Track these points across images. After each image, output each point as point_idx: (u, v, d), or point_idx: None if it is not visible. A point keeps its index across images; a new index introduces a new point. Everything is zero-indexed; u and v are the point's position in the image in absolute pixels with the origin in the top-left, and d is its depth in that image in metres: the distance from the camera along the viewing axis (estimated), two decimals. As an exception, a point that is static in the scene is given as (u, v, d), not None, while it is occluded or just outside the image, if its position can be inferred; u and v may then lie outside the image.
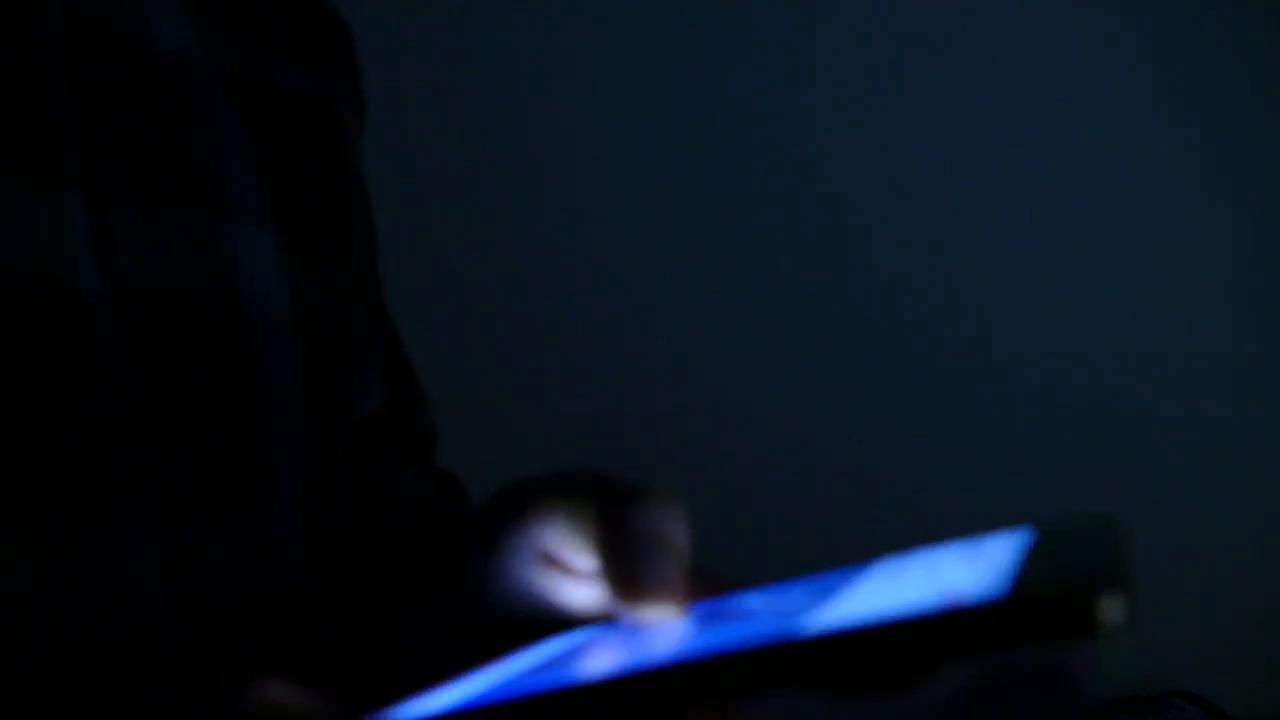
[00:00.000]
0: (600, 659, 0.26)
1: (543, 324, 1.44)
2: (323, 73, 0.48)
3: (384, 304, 0.55)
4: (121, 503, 0.35)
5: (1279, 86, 1.47)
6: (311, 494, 0.43)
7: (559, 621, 0.35)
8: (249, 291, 0.41)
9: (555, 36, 1.45)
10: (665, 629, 0.30)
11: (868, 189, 1.47)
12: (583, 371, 1.43)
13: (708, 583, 0.34)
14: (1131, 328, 1.47)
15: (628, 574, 0.32)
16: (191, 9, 0.42)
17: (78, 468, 0.34)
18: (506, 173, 1.44)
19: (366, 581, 0.43)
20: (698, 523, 0.33)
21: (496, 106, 1.43)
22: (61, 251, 0.35)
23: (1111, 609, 0.19)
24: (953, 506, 1.43)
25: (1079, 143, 1.48)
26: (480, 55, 1.43)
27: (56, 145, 0.35)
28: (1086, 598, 0.19)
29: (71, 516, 0.34)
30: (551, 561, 0.35)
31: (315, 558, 0.42)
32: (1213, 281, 1.48)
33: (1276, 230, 1.48)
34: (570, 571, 0.35)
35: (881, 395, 1.47)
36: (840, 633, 0.21)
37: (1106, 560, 0.21)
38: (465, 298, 1.42)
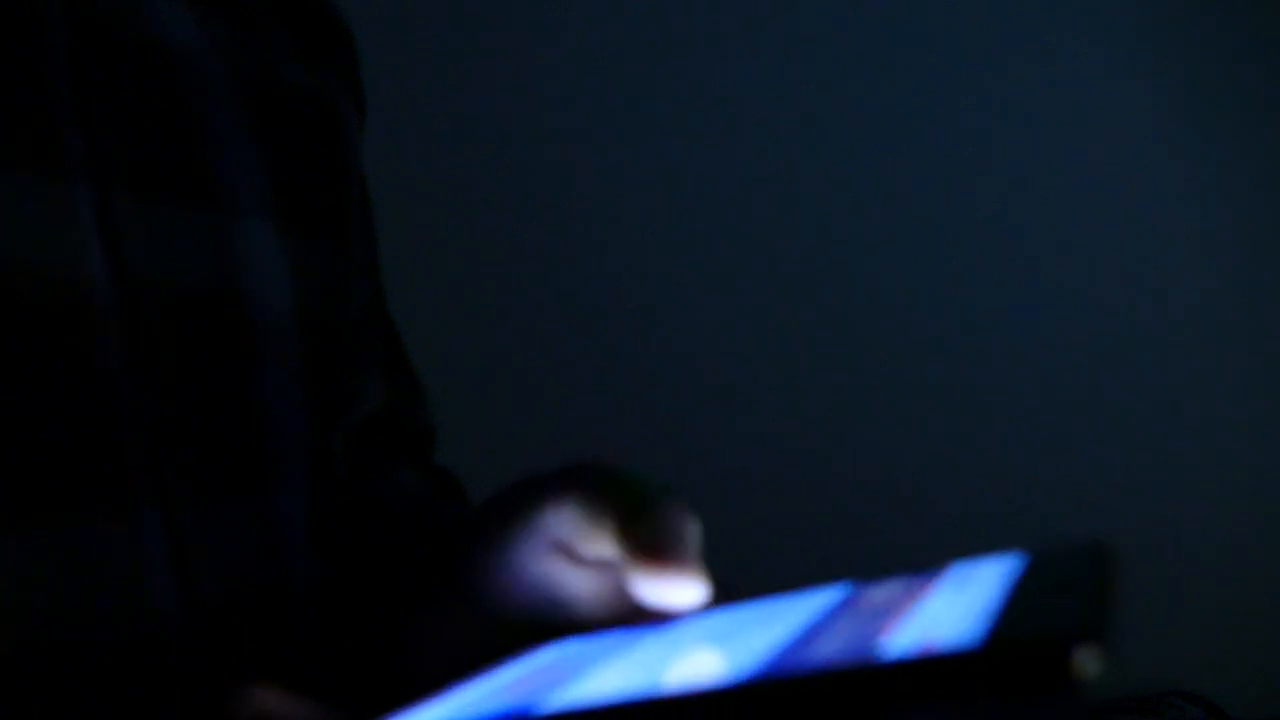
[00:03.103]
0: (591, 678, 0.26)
1: (543, 324, 1.44)
2: (324, 71, 0.49)
3: (384, 302, 0.55)
4: (128, 493, 0.35)
5: (1279, 86, 1.47)
6: (314, 488, 0.43)
7: (560, 615, 0.35)
8: (253, 286, 0.41)
9: (555, 37, 1.45)
10: (642, 647, 0.29)
11: (867, 190, 1.47)
12: (582, 371, 1.43)
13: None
14: (1133, 328, 1.47)
15: (655, 551, 0.32)
16: (195, 5, 0.42)
17: (84, 458, 0.34)
18: (507, 173, 1.44)
19: (364, 583, 0.43)
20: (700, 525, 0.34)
21: (496, 106, 1.43)
22: (68, 244, 0.35)
23: (1087, 663, 0.19)
24: (953, 507, 1.43)
25: (1079, 143, 1.48)
26: (480, 55, 1.43)
27: (61, 139, 0.35)
28: (1061, 651, 0.19)
29: (78, 507, 0.34)
30: (561, 550, 0.35)
31: (318, 552, 0.43)
32: (1213, 281, 1.48)
33: (1277, 230, 1.48)
34: (579, 561, 0.35)
35: (881, 395, 1.47)
36: (808, 675, 0.21)
37: (1089, 605, 0.21)
38: (465, 298, 1.42)
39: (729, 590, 0.34)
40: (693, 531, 0.33)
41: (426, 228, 1.38)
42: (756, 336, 1.46)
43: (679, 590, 0.32)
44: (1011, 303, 1.47)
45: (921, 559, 1.40)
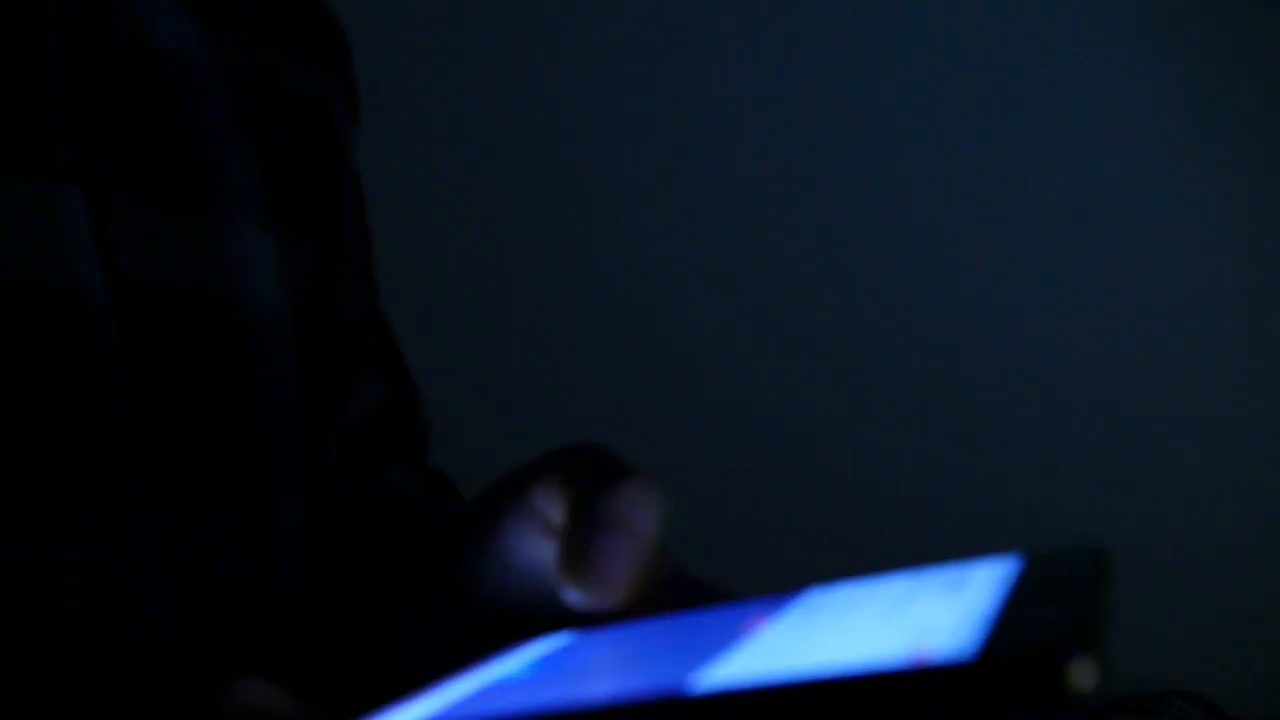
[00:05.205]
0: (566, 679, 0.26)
1: (543, 324, 1.44)
2: (320, 74, 0.49)
3: (379, 303, 0.55)
4: (122, 497, 0.35)
5: (1279, 86, 1.47)
6: (310, 490, 0.43)
7: (559, 604, 0.34)
8: (248, 289, 0.41)
9: (555, 37, 1.45)
10: (615, 647, 0.28)
11: (867, 189, 1.47)
12: (582, 371, 1.43)
13: (688, 589, 0.33)
14: (1133, 327, 1.47)
15: (577, 553, 0.31)
16: (190, 8, 0.43)
17: (78, 462, 0.34)
18: (506, 173, 1.44)
19: (360, 584, 0.43)
20: (692, 526, 0.33)
21: (496, 106, 1.44)
22: (62, 248, 0.35)
23: (1080, 677, 0.19)
24: (952, 506, 1.43)
25: (1079, 143, 1.48)
26: (480, 55, 1.43)
27: (56, 143, 0.35)
28: (1055, 664, 0.19)
29: (71, 511, 0.34)
30: (553, 534, 0.34)
31: (313, 555, 0.43)
32: (1213, 281, 1.48)
33: (1277, 230, 1.48)
34: None
35: (880, 395, 1.47)
36: (795, 684, 0.20)
37: (1084, 614, 0.21)
38: (465, 298, 1.42)
39: (722, 596, 0.34)
40: (637, 522, 0.31)
41: (425, 228, 1.38)
42: (756, 336, 1.46)
43: (592, 598, 0.31)
44: (1011, 302, 1.47)
45: (921, 558, 1.40)
